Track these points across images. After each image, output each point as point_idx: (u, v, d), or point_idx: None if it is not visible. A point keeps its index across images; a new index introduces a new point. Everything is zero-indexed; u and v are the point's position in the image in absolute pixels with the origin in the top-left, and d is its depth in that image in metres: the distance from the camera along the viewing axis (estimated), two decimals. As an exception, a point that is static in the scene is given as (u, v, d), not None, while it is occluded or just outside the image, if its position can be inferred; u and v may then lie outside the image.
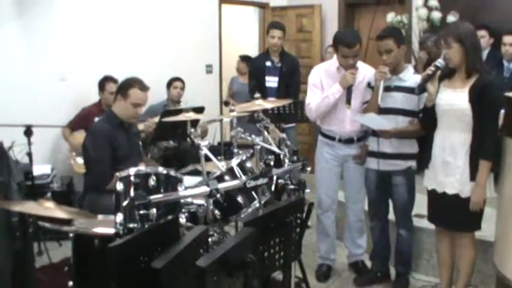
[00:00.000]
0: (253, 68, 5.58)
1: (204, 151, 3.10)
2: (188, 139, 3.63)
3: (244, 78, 6.91)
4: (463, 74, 3.18)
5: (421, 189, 3.53)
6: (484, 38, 5.40)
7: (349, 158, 3.93)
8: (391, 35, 3.52)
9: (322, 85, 3.86)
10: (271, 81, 5.41)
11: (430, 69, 3.23)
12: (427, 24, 6.08)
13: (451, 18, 5.86)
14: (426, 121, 3.40)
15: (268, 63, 5.43)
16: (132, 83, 3.72)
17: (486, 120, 3.09)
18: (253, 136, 3.59)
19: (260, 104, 3.79)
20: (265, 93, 5.29)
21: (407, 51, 5.44)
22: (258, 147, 3.46)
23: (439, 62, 3.22)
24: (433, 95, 3.23)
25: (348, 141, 3.91)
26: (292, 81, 5.39)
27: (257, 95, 3.94)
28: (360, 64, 3.88)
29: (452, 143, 3.19)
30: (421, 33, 6.17)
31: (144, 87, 3.73)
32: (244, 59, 7.06)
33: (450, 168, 3.21)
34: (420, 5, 6.11)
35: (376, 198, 3.82)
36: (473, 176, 3.14)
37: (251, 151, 3.57)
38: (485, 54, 5.39)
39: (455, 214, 3.25)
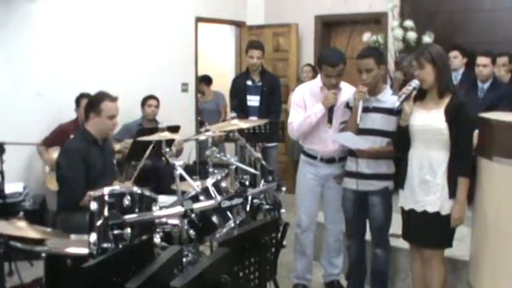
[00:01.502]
0: (235, 87, 5.63)
1: (179, 171, 3.11)
2: (163, 158, 3.65)
3: (204, 97, 7.19)
4: (435, 95, 3.25)
5: (398, 209, 3.57)
6: (457, 58, 5.53)
7: (330, 177, 3.95)
8: (371, 54, 3.58)
9: (305, 104, 3.90)
10: (253, 100, 5.49)
11: (407, 89, 3.29)
12: (402, 45, 6.18)
13: (427, 38, 5.96)
14: (399, 141, 3.44)
15: (249, 82, 5.51)
16: (101, 97, 3.76)
17: (462, 139, 3.17)
18: (228, 156, 3.61)
19: (236, 123, 3.82)
20: (246, 111, 5.40)
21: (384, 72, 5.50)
22: (233, 167, 3.47)
23: (415, 82, 3.28)
24: (408, 114, 3.29)
25: (330, 160, 3.94)
26: (273, 100, 5.46)
27: (232, 114, 3.97)
28: (343, 84, 3.93)
29: (431, 162, 3.24)
30: (396, 54, 6.27)
31: (113, 98, 3.78)
32: (203, 79, 7.26)
33: (430, 187, 3.24)
34: (396, 26, 6.21)
35: (353, 218, 3.84)
36: (452, 193, 3.20)
37: (226, 171, 3.59)
38: (459, 74, 5.53)
39: (432, 231, 3.29)
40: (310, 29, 7.36)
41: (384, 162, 3.66)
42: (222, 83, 7.37)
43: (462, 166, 3.18)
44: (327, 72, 3.75)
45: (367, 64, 3.56)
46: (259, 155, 3.73)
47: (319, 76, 3.90)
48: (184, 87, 6.86)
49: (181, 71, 6.76)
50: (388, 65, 6.20)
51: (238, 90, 5.53)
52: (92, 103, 3.79)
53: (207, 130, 3.72)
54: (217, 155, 3.61)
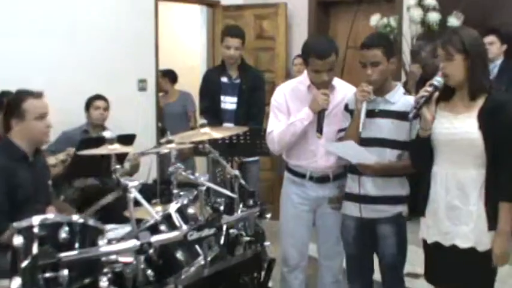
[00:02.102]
0: (206, 85, 5.63)
1: (133, 194, 3.08)
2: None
3: (166, 97, 7.23)
4: (465, 95, 3.23)
5: (414, 240, 3.57)
6: (494, 45, 5.61)
7: (324, 201, 3.98)
8: (379, 44, 3.59)
9: (288, 108, 3.93)
10: (229, 102, 5.48)
11: (427, 90, 3.24)
12: (421, 29, 6.18)
13: (453, 20, 5.97)
14: (418, 155, 3.43)
15: (224, 79, 5.50)
16: (20, 96, 3.74)
17: (502, 151, 3.13)
18: (196, 174, 3.60)
19: (207, 132, 3.79)
20: (220, 116, 5.39)
21: (397, 65, 5.47)
22: (203, 188, 3.45)
23: (437, 80, 3.23)
24: (429, 122, 3.25)
25: (322, 179, 3.96)
26: (255, 102, 5.47)
27: (202, 121, 3.97)
28: (336, 82, 3.95)
29: (461, 182, 3.21)
30: (414, 41, 6.27)
31: (37, 94, 3.75)
32: (166, 74, 7.32)
33: (460, 215, 3.21)
34: (413, 4, 6.19)
35: (357, 254, 3.83)
36: (491, 224, 3.16)
37: (195, 192, 3.59)
38: (497, 65, 5.60)
39: (465, 272, 3.25)
40: (302, 10, 7.41)
41: (395, 181, 3.68)
42: (191, 80, 7.39)
43: (504, 187, 3.13)
44: (315, 67, 3.77)
45: (374, 56, 3.57)
46: (236, 172, 3.73)
47: (305, 72, 3.92)
48: (142, 85, 6.86)
49: (138, 65, 6.76)
50: (403, 55, 6.30)
51: (210, 89, 5.53)
52: (10, 107, 3.74)
53: (169, 141, 3.70)
54: (183, 173, 3.58)
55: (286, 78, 6.85)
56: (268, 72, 7.20)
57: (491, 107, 3.15)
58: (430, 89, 3.22)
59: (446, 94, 3.28)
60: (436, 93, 3.24)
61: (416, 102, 3.25)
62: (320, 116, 3.77)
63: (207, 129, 3.83)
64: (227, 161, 4.62)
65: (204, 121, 3.94)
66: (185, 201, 3.46)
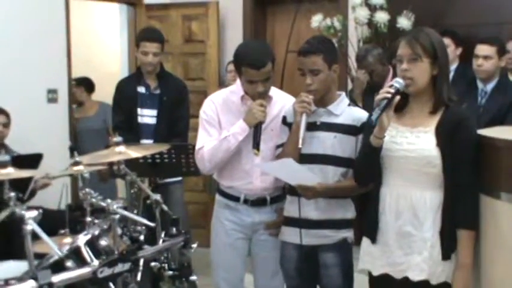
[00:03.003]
0: (120, 97, 5.58)
1: (30, 226, 2.98)
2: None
3: (83, 110, 7.11)
4: (424, 106, 3.24)
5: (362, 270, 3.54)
6: (449, 48, 5.56)
7: (260, 227, 3.99)
8: (319, 50, 3.61)
9: (219, 122, 3.95)
10: (147, 116, 5.46)
11: (388, 91, 3.16)
12: (368, 31, 6.24)
13: (403, 21, 6.01)
14: (365, 168, 3.39)
15: (141, 90, 5.47)
16: None
17: (463, 172, 3.14)
18: (108, 201, 3.53)
19: (122, 151, 3.74)
20: (138, 133, 5.38)
21: (341, 71, 5.53)
22: (116, 216, 3.39)
23: (399, 82, 3.17)
24: (385, 129, 3.19)
25: (258, 202, 3.98)
26: (179, 115, 5.46)
27: (117, 138, 3.90)
28: (274, 92, 3.98)
29: (414, 206, 3.19)
30: (360, 44, 6.32)
31: None
32: (81, 82, 7.26)
33: (413, 243, 3.19)
34: (358, 3, 6.23)
35: (298, 285, 3.85)
36: (446, 253, 3.16)
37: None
38: (451, 70, 5.58)
39: None
40: (237, 10, 7.44)
41: (339, 203, 3.71)
42: (110, 89, 7.23)
43: (464, 212, 3.14)
44: (249, 77, 3.79)
45: (313, 63, 3.60)
46: (158, 197, 3.69)
47: (238, 81, 3.94)
48: (51, 96, 6.77)
49: (47, 72, 6.68)
50: (349, 60, 6.35)
51: (126, 100, 5.49)
52: None
53: (76, 163, 3.61)
54: (93, 199, 3.54)
55: (219, 86, 6.87)
56: (199, 80, 7.22)
57: (451, 122, 3.16)
58: (392, 90, 3.15)
59: (399, 103, 3.23)
60: (397, 98, 3.17)
61: (377, 104, 3.16)
62: (256, 130, 3.78)
63: (122, 148, 3.77)
64: (150, 183, 4.62)
65: (119, 138, 3.87)
66: (96, 232, 3.39)
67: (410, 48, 3.16)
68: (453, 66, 5.67)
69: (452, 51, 5.64)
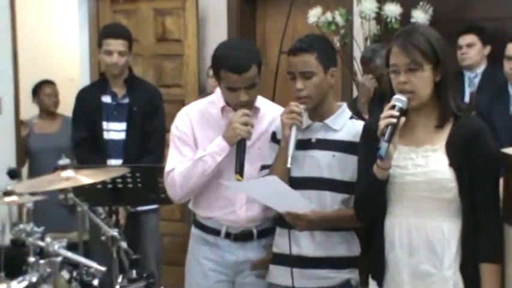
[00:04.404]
0: (81, 108, 5.60)
1: None
2: None
3: (42, 125, 7.02)
4: (429, 121, 3.26)
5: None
6: (475, 47, 5.74)
7: (245, 267, 3.99)
8: (312, 48, 3.62)
9: (195, 139, 3.96)
10: (114, 131, 5.50)
11: (393, 115, 3.14)
12: (377, 27, 6.23)
13: (419, 15, 6.00)
14: (367, 205, 3.40)
15: (106, 99, 5.51)
16: None
17: (484, 193, 3.15)
18: (48, 240, 3.53)
19: (70, 177, 3.74)
20: (104, 151, 5.44)
21: (344, 75, 5.45)
22: (58, 259, 3.39)
23: (400, 100, 3.16)
24: (392, 158, 3.18)
25: (243, 237, 3.98)
26: (152, 129, 5.49)
27: (63, 160, 3.90)
28: (262, 102, 4.00)
29: (430, 239, 3.21)
30: (367, 43, 6.31)
31: None
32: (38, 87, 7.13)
33: (433, 284, 3.21)
34: (366, -6, 6.22)
35: None
36: None
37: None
38: (478, 74, 5.72)
39: None
40: (220, 3, 7.45)
41: (341, 236, 3.70)
42: (69, 100, 7.20)
43: (486, 243, 3.15)
44: (229, 83, 3.79)
45: (304, 64, 3.60)
46: (115, 233, 3.71)
47: (218, 89, 3.96)
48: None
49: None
50: (354, 62, 6.34)
51: (88, 112, 5.51)
52: None
53: (8, 193, 3.61)
54: (29, 238, 3.53)
55: (199, 95, 6.84)
56: (175, 88, 7.26)
57: (464, 135, 3.17)
58: (396, 113, 3.13)
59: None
60: (403, 119, 3.16)
61: (382, 132, 3.12)
62: (239, 148, 3.77)
63: (70, 173, 3.77)
64: (112, 213, 4.54)
65: (66, 161, 3.87)
66: (34, 278, 3.38)
67: (407, 55, 3.14)
68: (480, 69, 5.71)
69: (479, 50, 5.70)
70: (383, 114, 3.15)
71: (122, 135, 5.46)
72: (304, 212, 3.55)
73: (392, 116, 3.10)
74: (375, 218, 3.37)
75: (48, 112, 7.18)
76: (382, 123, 3.12)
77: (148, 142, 5.45)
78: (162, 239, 6.40)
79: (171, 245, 6.88)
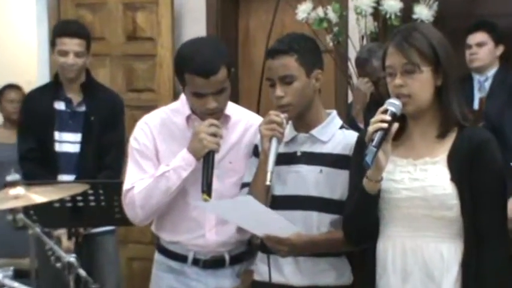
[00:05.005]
0: (29, 116, 5.57)
1: None
2: None
3: (5, 135, 7.15)
4: (429, 130, 3.25)
5: None
6: (486, 47, 5.74)
7: (217, 298, 3.98)
8: (291, 49, 3.60)
9: (157, 152, 3.94)
10: (68, 142, 5.46)
11: (384, 120, 3.14)
12: (374, 25, 6.22)
13: (423, 11, 5.98)
14: (357, 224, 3.35)
15: (59, 106, 5.48)
16: None
17: (489, 213, 3.14)
18: None
19: (20, 195, 3.68)
20: (55, 165, 5.39)
21: (338, 78, 5.43)
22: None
23: (394, 104, 3.16)
24: (382, 169, 3.18)
25: (213, 263, 3.96)
26: (111, 141, 5.49)
27: (12, 176, 3.78)
28: (233, 109, 4.00)
29: (427, 263, 3.20)
30: (363, 42, 6.33)
31: None
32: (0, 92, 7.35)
33: None
34: (360, -14, 6.26)
35: None
36: None
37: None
38: (489, 77, 5.74)
39: None
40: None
41: (331, 263, 3.65)
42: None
43: (491, 269, 3.13)
44: (196, 88, 3.76)
45: (284, 67, 3.58)
46: (71, 258, 3.61)
47: (182, 95, 3.94)
48: None
49: None
50: (349, 64, 6.31)
51: (37, 120, 5.46)
52: None
53: None
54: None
55: (174, 100, 6.72)
56: (147, 92, 7.25)
57: (468, 147, 3.16)
58: (387, 117, 3.14)
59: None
60: (396, 125, 3.15)
61: (370, 139, 3.13)
62: (206, 163, 3.73)
63: (20, 190, 3.71)
64: (70, 235, 4.58)
65: (15, 177, 3.75)
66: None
67: (403, 55, 3.15)
68: (491, 72, 5.72)
69: (491, 51, 5.70)
70: (373, 119, 3.16)
71: (76, 148, 5.45)
72: (287, 236, 3.49)
73: (383, 121, 3.11)
74: (366, 240, 3.37)
75: (10, 120, 7.33)
76: (371, 128, 3.13)
77: (106, 156, 5.45)
78: (131, 264, 6.35)
79: (140, 271, 6.80)
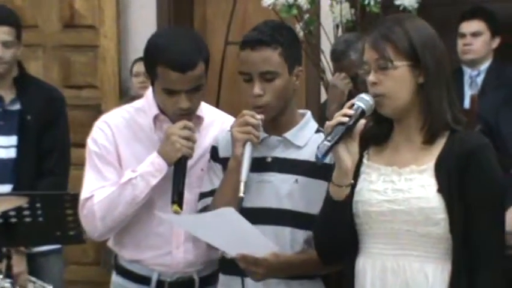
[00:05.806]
0: None
1: None
2: None
3: None
4: (415, 135, 3.24)
5: None
6: (481, 38, 5.81)
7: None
8: (275, 41, 3.57)
9: (119, 157, 3.91)
10: (0, 147, 5.45)
11: (346, 114, 3.14)
12: (351, 12, 6.24)
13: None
14: (327, 238, 3.35)
15: None
16: None
17: (481, 230, 3.15)
18: None
19: None
20: None
21: (310, 73, 5.43)
22: None
23: (364, 99, 3.17)
24: (349, 172, 3.19)
25: (181, 285, 3.98)
26: (51, 144, 5.46)
27: None
28: (206, 110, 3.99)
29: (409, 284, 3.19)
30: (338, 32, 6.35)
31: None
32: None
33: None
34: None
35: None
36: None
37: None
38: (481, 72, 5.82)
39: None
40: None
41: (303, 286, 3.68)
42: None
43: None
44: (168, 84, 3.72)
45: (266, 62, 3.54)
46: (7, 283, 3.72)
47: (149, 91, 3.89)
48: None
49: None
50: (322, 57, 6.37)
51: None
52: None
53: None
54: None
55: (121, 99, 6.94)
56: (88, 89, 7.32)
57: (458, 154, 3.16)
58: (351, 112, 3.16)
59: (378, 132, 3.31)
60: (362, 122, 3.17)
61: (327, 133, 3.16)
62: (178, 170, 3.73)
63: None
64: (2, 257, 4.56)
65: None
66: None
67: (376, 50, 3.17)
68: (484, 66, 5.81)
69: (486, 42, 5.81)
70: (337, 113, 3.20)
71: (11, 153, 5.43)
72: (263, 256, 3.46)
73: (345, 115, 3.13)
74: (336, 257, 3.39)
75: None
76: (330, 123, 3.16)
77: (47, 160, 5.43)
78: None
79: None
